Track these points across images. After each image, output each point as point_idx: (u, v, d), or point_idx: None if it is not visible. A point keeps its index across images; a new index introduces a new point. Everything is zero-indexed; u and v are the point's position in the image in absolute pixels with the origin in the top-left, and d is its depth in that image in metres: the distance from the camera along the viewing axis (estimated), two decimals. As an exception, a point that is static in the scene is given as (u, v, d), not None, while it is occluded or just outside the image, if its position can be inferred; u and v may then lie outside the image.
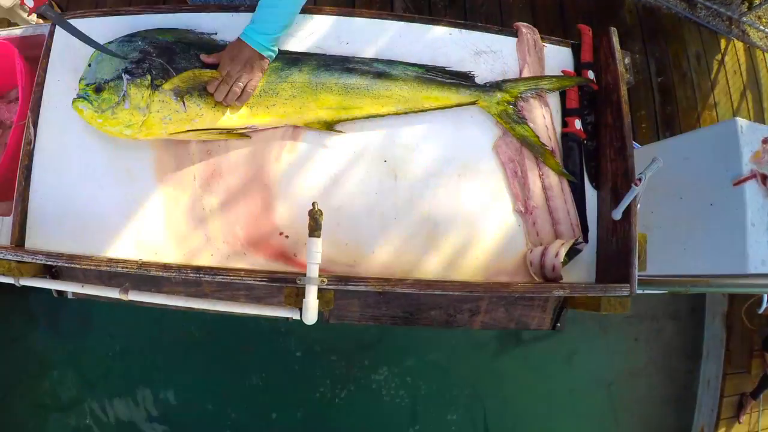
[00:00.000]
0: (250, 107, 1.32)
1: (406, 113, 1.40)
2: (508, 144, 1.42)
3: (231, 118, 1.32)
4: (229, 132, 1.34)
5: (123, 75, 1.27)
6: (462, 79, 1.42)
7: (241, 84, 1.27)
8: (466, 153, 1.41)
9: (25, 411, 2.89)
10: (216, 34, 1.39)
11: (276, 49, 1.32)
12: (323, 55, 1.39)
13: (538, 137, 1.42)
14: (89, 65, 1.31)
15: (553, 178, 1.42)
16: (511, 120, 1.42)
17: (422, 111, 1.41)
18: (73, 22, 1.36)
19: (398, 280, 1.19)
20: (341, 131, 1.38)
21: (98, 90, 1.26)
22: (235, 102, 1.29)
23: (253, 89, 1.30)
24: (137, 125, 1.27)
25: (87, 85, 1.28)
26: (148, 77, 1.27)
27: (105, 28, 1.36)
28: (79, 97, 1.27)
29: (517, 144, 1.42)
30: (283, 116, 1.35)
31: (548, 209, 1.40)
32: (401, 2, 3.31)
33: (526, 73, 1.45)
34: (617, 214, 1.29)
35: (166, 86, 1.27)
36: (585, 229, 1.41)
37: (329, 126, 1.37)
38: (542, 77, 1.45)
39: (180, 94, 1.28)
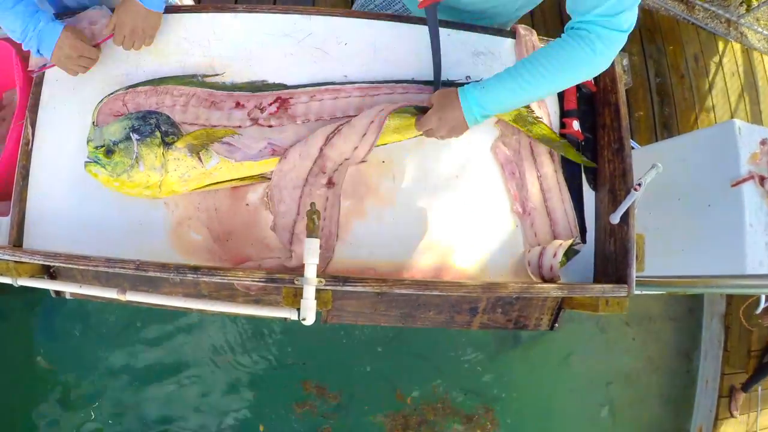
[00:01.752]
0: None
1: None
2: (506, 145, 1.42)
3: (252, 166, 1.28)
4: (251, 177, 1.29)
5: (132, 135, 1.22)
6: None
7: (442, 138, 1.25)
8: (464, 154, 1.41)
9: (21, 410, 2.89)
10: (224, 73, 1.35)
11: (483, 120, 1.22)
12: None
13: (556, 133, 1.42)
14: (93, 123, 1.26)
15: (551, 179, 1.42)
16: (527, 122, 1.41)
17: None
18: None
19: (396, 281, 1.19)
20: None
21: (109, 153, 1.22)
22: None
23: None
24: (156, 185, 1.23)
25: (96, 147, 1.23)
26: (158, 134, 1.22)
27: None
28: (91, 161, 1.23)
29: (515, 145, 1.42)
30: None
31: (546, 210, 1.41)
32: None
33: (524, 74, 1.45)
34: (615, 218, 1.29)
35: (179, 144, 1.23)
36: (583, 230, 1.42)
37: None
38: None
39: (194, 150, 1.24)
